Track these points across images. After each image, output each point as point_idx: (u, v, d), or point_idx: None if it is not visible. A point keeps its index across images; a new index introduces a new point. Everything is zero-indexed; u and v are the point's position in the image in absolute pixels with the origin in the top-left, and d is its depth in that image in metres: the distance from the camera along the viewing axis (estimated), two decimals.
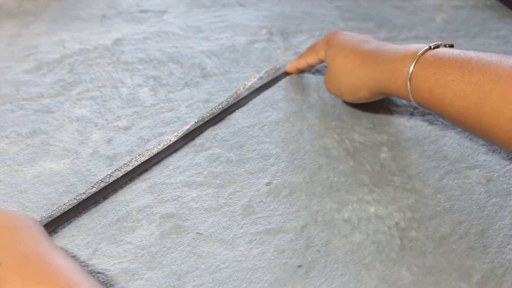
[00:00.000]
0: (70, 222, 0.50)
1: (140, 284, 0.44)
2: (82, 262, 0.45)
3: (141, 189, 0.54)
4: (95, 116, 0.64)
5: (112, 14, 0.88)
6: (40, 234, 0.37)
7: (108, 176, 0.54)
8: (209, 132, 0.62)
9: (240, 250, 0.47)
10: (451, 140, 0.61)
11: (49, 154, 0.58)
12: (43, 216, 0.49)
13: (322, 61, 0.67)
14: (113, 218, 0.51)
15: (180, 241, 0.48)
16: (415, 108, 0.66)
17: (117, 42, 0.80)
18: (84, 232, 0.49)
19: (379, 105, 0.66)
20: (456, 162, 0.58)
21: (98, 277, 0.44)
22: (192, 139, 0.61)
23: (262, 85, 0.70)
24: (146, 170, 0.56)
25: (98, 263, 0.45)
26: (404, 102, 0.68)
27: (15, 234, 0.36)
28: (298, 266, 0.45)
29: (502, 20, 0.88)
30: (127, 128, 0.62)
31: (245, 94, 0.68)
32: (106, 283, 0.44)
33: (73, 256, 0.46)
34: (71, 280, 0.33)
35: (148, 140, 0.60)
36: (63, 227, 0.50)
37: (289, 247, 0.47)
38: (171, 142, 0.59)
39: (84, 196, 0.52)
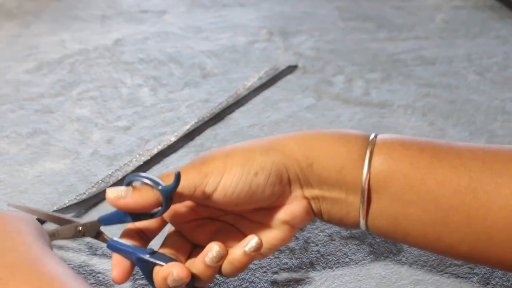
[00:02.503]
0: None
1: (140, 284, 0.44)
2: (82, 261, 0.45)
3: None
4: (95, 116, 0.64)
5: (112, 14, 0.88)
6: (32, 238, 0.36)
7: (109, 176, 0.54)
8: (209, 132, 0.62)
9: None
10: (451, 140, 0.61)
11: (49, 154, 0.58)
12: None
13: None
14: None
15: None
16: (413, 112, 0.66)
17: (117, 42, 0.80)
18: None
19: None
20: None
21: (98, 277, 0.44)
22: (192, 139, 0.61)
23: (262, 85, 0.70)
24: (147, 170, 0.56)
25: (99, 263, 0.45)
26: (404, 102, 0.68)
27: (4, 240, 0.35)
28: (298, 266, 0.45)
29: (502, 20, 0.88)
30: (127, 128, 0.62)
31: (245, 94, 0.68)
32: (106, 283, 0.44)
33: (73, 256, 0.46)
34: (64, 285, 0.32)
35: (148, 140, 0.60)
36: None
37: (289, 247, 0.47)
38: (171, 142, 0.59)
39: (84, 196, 0.52)
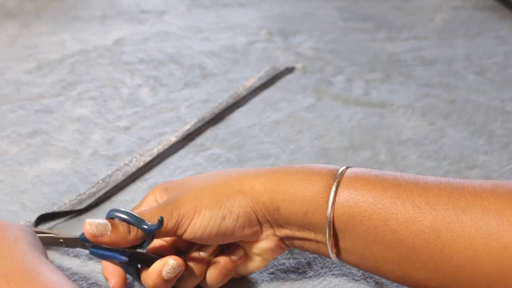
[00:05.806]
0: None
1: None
2: (81, 261, 0.46)
3: (141, 189, 0.54)
4: (95, 116, 0.64)
5: (113, 15, 0.88)
6: (27, 246, 0.37)
7: (109, 176, 0.54)
8: (209, 132, 0.62)
9: None
10: (451, 140, 0.61)
11: (49, 154, 0.58)
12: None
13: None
14: None
15: None
16: (409, 116, 0.66)
17: (117, 42, 0.80)
18: None
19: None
20: (456, 162, 0.58)
21: (97, 277, 0.44)
22: (192, 139, 0.61)
23: (262, 85, 0.70)
24: (147, 170, 0.56)
25: (98, 263, 0.46)
26: (404, 102, 0.68)
27: (1, 247, 0.36)
28: (295, 267, 0.45)
29: (502, 21, 0.88)
30: (127, 128, 0.62)
31: (245, 94, 0.68)
32: (105, 283, 0.44)
33: (73, 256, 0.46)
34: None
35: (148, 140, 0.61)
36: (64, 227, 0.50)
37: None
38: (172, 142, 0.59)
39: (84, 196, 0.52)
